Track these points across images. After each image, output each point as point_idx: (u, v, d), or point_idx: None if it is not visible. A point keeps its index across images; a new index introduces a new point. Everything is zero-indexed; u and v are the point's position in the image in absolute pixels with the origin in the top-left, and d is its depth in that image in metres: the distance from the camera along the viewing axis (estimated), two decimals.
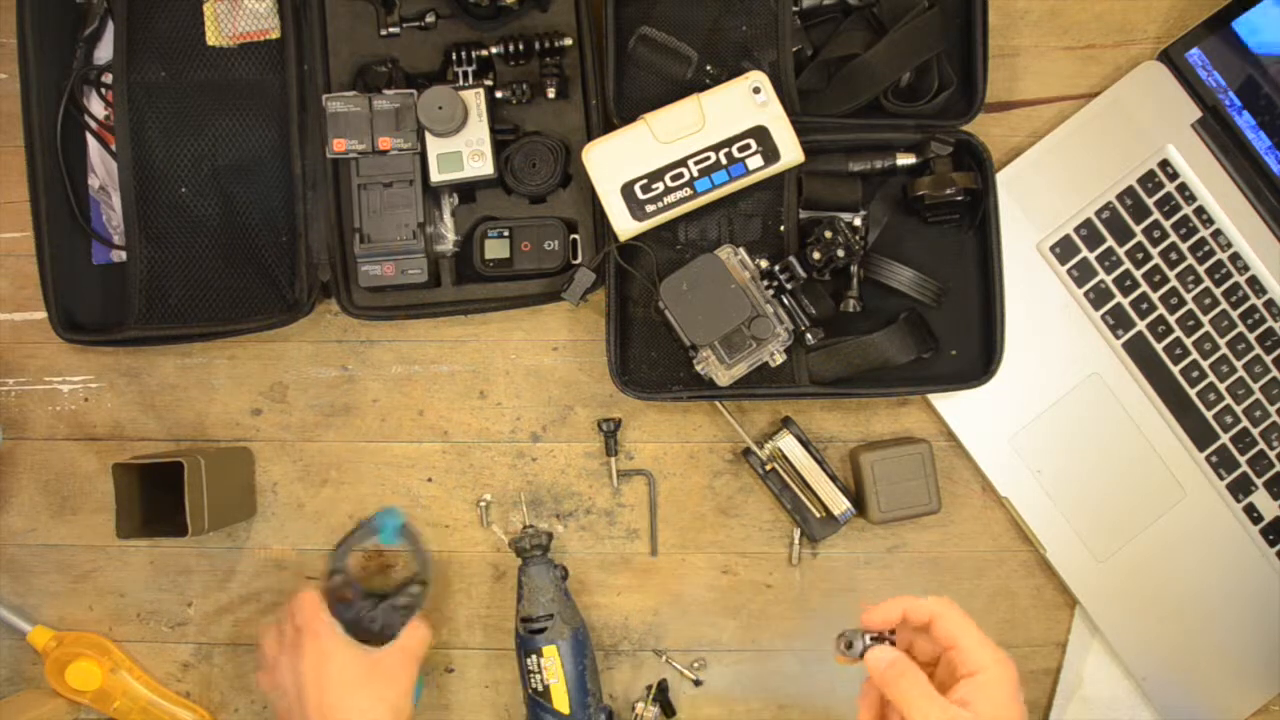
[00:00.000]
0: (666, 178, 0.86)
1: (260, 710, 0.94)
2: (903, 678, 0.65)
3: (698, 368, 0.85)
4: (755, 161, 0.86)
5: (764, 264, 0.85)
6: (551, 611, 0.86)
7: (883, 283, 0.88)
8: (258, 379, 0.94)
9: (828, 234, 0.84)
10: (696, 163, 0.86)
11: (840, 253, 0.83)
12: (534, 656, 0.85)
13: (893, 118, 0.89)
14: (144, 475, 0.87)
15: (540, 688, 0.85)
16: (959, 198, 0.86)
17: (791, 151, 0.86)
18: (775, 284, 0.85)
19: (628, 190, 0.86)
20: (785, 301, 0.85)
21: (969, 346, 0.90)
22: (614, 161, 0.86)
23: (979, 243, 0.89)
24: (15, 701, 0.92)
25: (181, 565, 0.94)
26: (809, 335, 0.86)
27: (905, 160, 0.88)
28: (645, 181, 0.86)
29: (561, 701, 0.85)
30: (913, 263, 0.87)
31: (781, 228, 0.88)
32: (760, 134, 0.86)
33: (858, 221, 0.87)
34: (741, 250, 0.85)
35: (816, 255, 0.84)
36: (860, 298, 0.87)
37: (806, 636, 0.92)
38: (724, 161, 0.86)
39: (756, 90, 0.86)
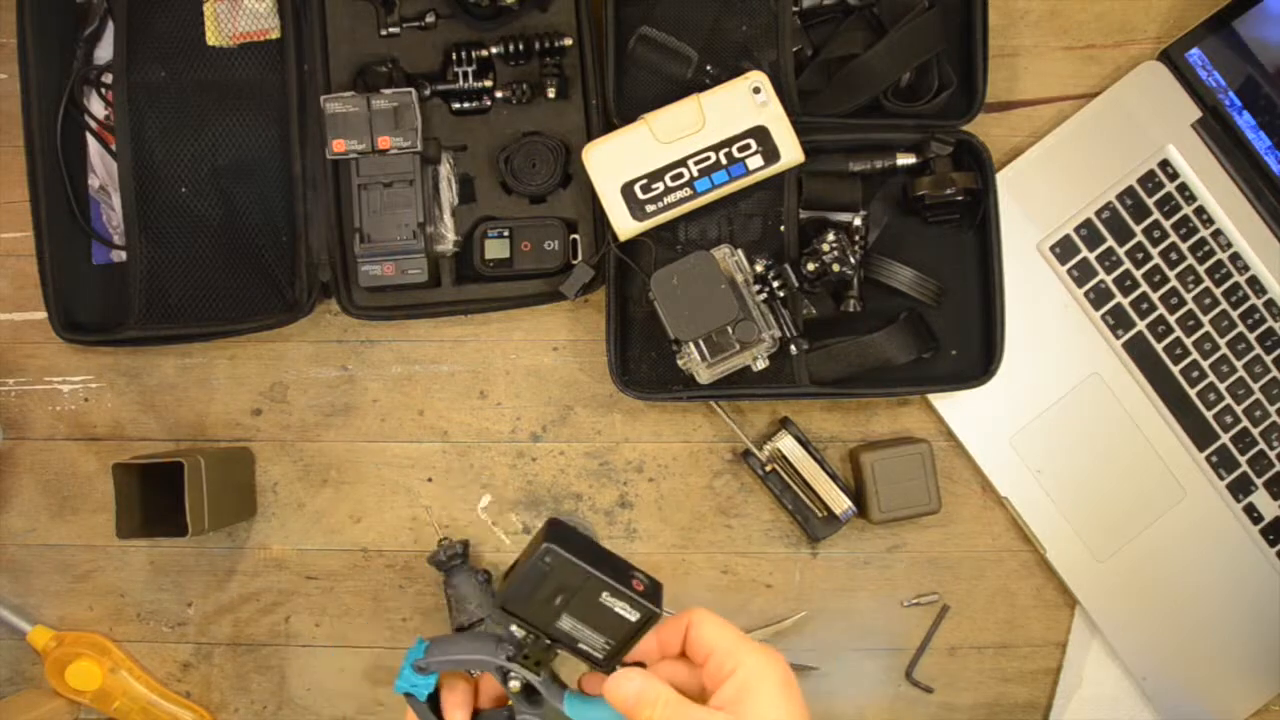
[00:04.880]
0: (666, 178, 0.86)
1: (260, 710, 0.94)
2: (646, 694, 0.56)
3: (680, 362, 0.85)
4: (755, 162, 0.86)
5: (760, 268, 0.85)
6: (481, 616, 0.87)
7: (883, 282, 0.88)
8: (258, 379, 0.94)
9: (824, 247, 0.84)
10: (696, 163, 0.86)
11: (835, 267, 0.84)
12: None
13: (893, 118, 0.89)
14: (144, 475, 0.87)
15: None
16: (959, 198, 0.86)
17: (791, 152, 0.86)
18: (768, 290, 0.85)
19: (628, 190, 0.86)
20: (776, 308, 0.85)
21: (969, 346, 0.90)
22: (614, 161, 0.86)
23: (979, 242, 0.89)
24: (15, 701, 0.92)
25: (181, 565, 0.94)
26: (793, 346, 0.86)
27: (905, 160, 0.88)
28: (645, 181, 0.86)
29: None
30: (913, 263, 0.87)
31: (782, 228, 0.88)
32: (760, 134, 0.86)
33: (858, 221, 0.87)
34: (739, 252, 0.85)
35: (811, 267, 0.84)
36: (861, 297, 0.87)
37: (807, 637, 0.92)
38: (724, 161, 0.86)
39: (756, 90, 0.86)
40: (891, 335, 0.87)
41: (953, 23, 0.89)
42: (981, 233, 0.88)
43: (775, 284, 0.85)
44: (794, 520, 0.90)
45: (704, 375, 0.84)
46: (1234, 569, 0.90)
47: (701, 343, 0.83)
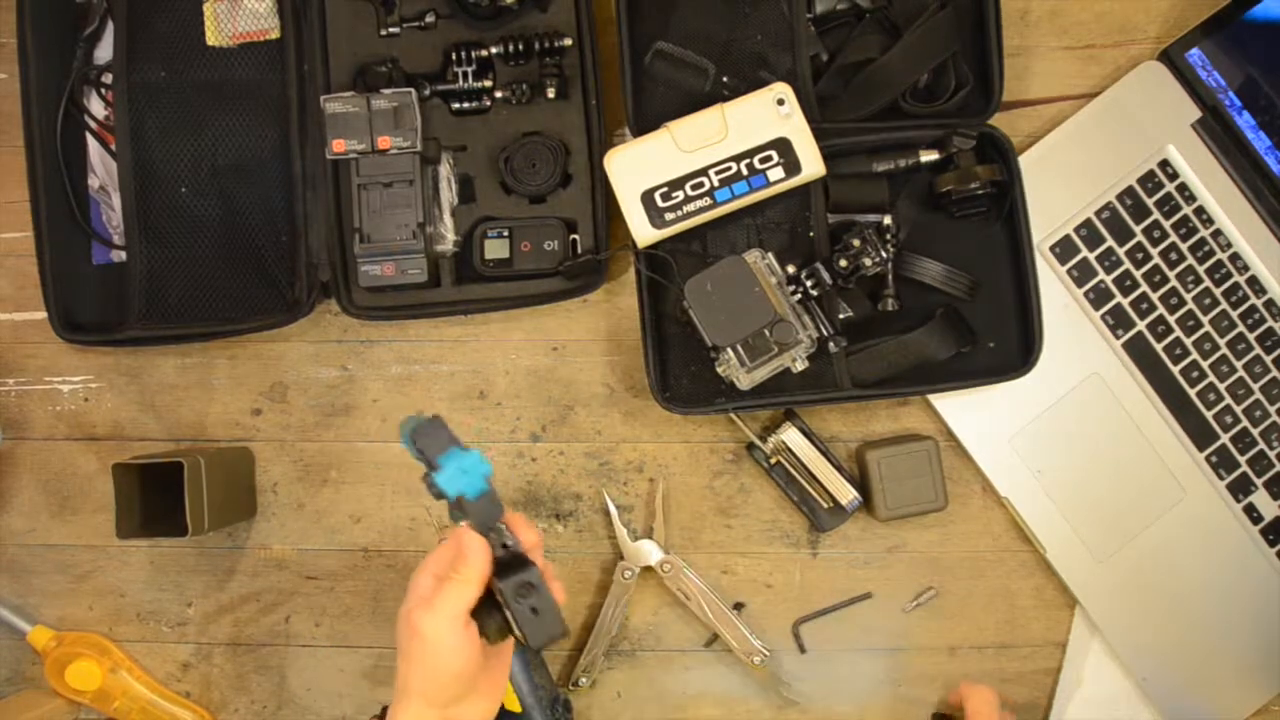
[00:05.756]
0: (687, 186, 0.86)
1: (260, 710, 0.94)
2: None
3: (719, 369, 0.85)
4: (776, 173, 0.86)
5: (791, 269, 0.85)
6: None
7: (915, 279, 0.88)
8: (258, 379, 0.94)
9: (855, 242, 0.84)
10: (718, 173, 0.86)
11: (867, 261, 0.84)
12: None
13: (912, 119, 0.89)
14: (144, 475, 0.87)
15: None
16: (983, 191, 0.86)
17: (813, 165, 0.86)
18: (801, 290, 0.85)
19: (648, 197, 0.86)
20: (812, 308, 0.85)
21: (1006, 337, 0.89)
22: (635, 168, 0.86)
23: (1008, 233, 0.89)
24: (15, 701, 0.93)
25: (181, 565, 0.94)
26: (832, 344, 0.86)
27: (929, 157, 0.88)
28: (665, 190, 0.86)
29: (512, 702, 0.85)
30: (942, 258, 0.87)
31: (811, 233, 0.88)
32: (782, 146, 0.86)
33: (887, 220, 0.86)
34: (770, 255, 0.85)
35: (844, 263, 0.84)
36: (897, 296, 0.87)
37: (807, 637, 0.92)
38: (745, 172, 0.86)
39: (780, 102, 0.86)
40: (930, 332, 0.87)
41: (965, 22, 0.89)
42: (1010, 223, 0.88)
43: (809, 284, 0.85)
44: (800, 511, 0.90)
45: (744, 381, 0.84)
46: (1234, 569, 0.90)
47: (740, 348, 0.83)
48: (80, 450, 0.95)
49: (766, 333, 0.82)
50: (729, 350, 0.83)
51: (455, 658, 0.65)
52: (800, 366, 0.85)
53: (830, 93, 0.90)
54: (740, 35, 0.89)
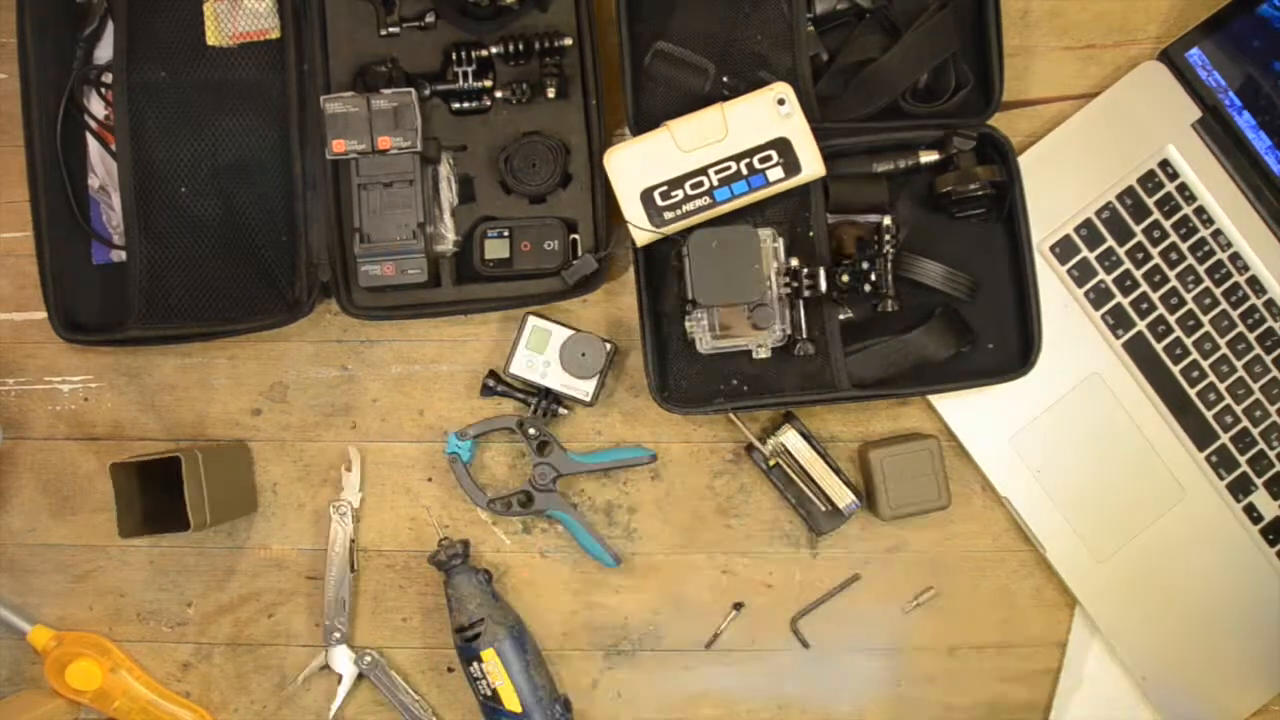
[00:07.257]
0: (686, 185, 0.86)
1: (260, 710, 0.94)
2: None
3: (687, 324, 0.85)
4: (776, 173, 0.86)
5: (795, 263, 0.85)
6: (481, 616, 0.87)
7: (915, 280, 0.88)
8: (258, 379, 0.94)
9: (863, 265, 0.84)
10: (717, 172, 0.86)
11: (867, 288, 0.84)
12: (475, 663, 0.87)
13: (912, 119, 0.89)
14: (144, 475, 0.87)
15: (489, 692, 0.86)
16: (983, 192, 0.86)
17: (812, 165, 0.86)
18: (795, 286, 0.85)
19: (647, 196, 0.86)
20: (796, 306, 0.85)
21: (1006, 339, 0.89)
22: (635, 167, 0.86)
23: (1008, 234, 0.89)
24: (15, 701, 0.93)
25: (181, 565, 0.94)
26: (799, 347, 0.86)
27: (929, 157, 0.88)
28: (665, 189, 0.86)
29: (512, 701, 0.86)
30: (942, 258, 0.87)
31: (811, 233, 0.88)
32: (782, 145, 0.86)
33: (887, 221, 0.86)
34: (781, 241, 0.85)
35: (845, 278, 0.84)
36: (897, 297, 0.87)
37: (808, 636, 0.92)
38: (744, 172, 0.86)
39: (781, 101, 0.86)
40: (929, 332, 0.87)
41: (965, 22, 0.89)
42: (1009, 224, 0.88)
43: (806, 283, 0.85)
44: (798, 514, 0.90)
45: (704, 345, 0.84)
46: (1234, 569, 0.90)
47: (716, 312, 0.82)
48: (80, 450, 0.95)
49: (746, 309, 0.82)
50: (704, 311, 0.83)
51: None
52: (762, 354, 0.85)
53: (830, 93, 0.90)
54: (740, 35, 0.89)
